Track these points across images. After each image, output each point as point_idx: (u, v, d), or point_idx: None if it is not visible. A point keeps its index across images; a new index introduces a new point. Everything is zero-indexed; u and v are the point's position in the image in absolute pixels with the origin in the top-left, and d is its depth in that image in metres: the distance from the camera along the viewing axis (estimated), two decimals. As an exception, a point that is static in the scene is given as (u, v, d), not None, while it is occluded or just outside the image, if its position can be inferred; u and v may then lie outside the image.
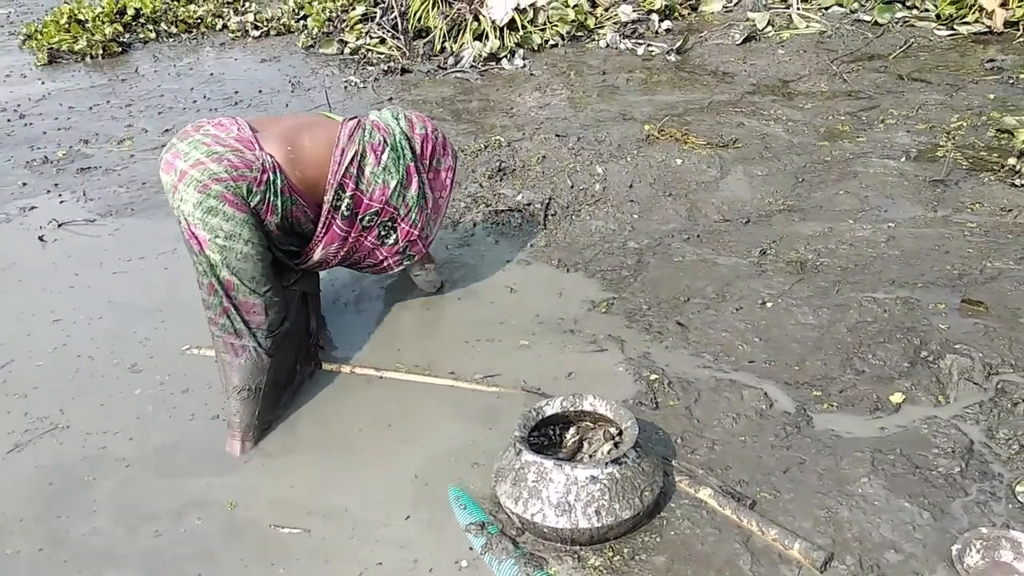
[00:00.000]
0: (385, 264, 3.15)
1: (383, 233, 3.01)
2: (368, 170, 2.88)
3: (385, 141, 2.92)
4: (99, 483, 2.66)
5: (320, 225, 2.86)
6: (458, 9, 6.93)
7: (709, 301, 3.27)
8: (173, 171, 2.60)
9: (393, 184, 2.92)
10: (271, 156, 2.67)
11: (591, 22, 7.04)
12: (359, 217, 2.92)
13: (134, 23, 9.09)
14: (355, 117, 2.96)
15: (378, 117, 3.02)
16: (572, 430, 2.53)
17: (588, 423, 2.52)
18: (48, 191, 5.04)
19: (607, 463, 2.18)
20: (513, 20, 6.84)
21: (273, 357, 2.78)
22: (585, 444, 2.49)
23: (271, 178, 2.63)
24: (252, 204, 2.60)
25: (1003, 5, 5.95)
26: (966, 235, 3.50)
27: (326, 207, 2.83)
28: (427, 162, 3.06)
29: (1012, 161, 3.99)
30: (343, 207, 2.86)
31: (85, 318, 3.59)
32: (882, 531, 2.18)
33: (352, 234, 2.94)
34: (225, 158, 2.58)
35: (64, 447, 2.83)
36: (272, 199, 2.65)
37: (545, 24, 6.95)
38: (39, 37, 8.68)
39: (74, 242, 4.36)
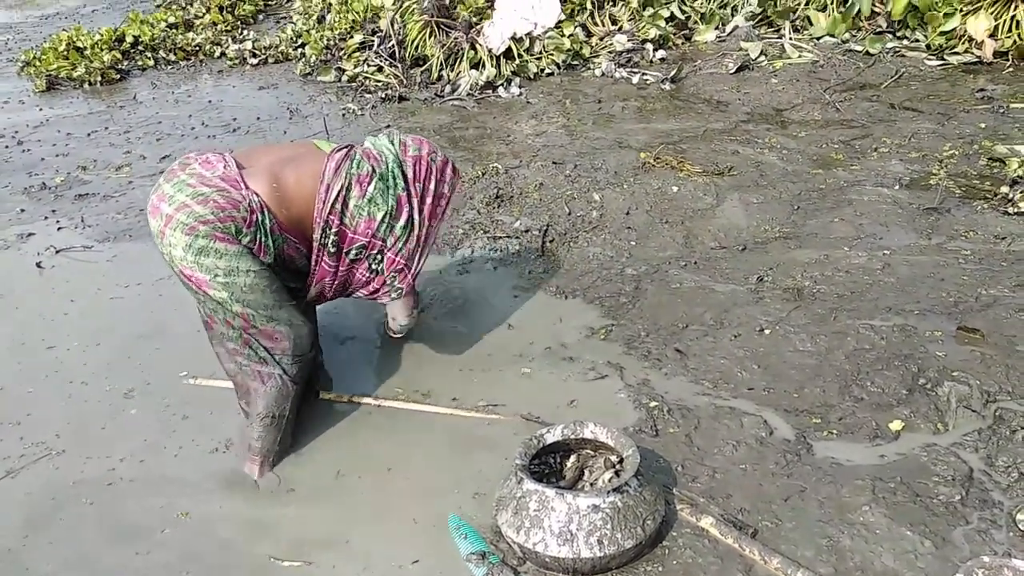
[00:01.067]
0: (377, 294, 2.98)
1: (374, 266, 2.86)
2: (352, 203, 2.72)
3: (374, 171, 2.76)
4: (93, 509, 2.63)
5: (312, 262, 2.79)
6: (455, 38, 7.00)
7: (707, 328, 3.28)
8: (159, 216, 2.53)
9: (380, 216, 2.75)
10: (257, 195, 2.57)
11: (586, 51, 7.12)
12: (344, 251, 2.78)
13: (132, 51, 9.14)
14: (346, 146, 2.83)
15: (372, 144, 2.90)
16: (573, 458, 2.53)
17: (589, 451, 2.52)
18: (46, 217, 5.04)
19: (609, 492, 2.18)
20: (509, 49, 6.91)
21: (298, 384, 2.76)
22: (586, 472, 2.48)
23: (259, 219, 2.55)
24: (244, 242, 2.54)
25: (992, 36, 6.03)
26: (961, 263, 3.53)
27: (316, 245, 2.74)
28: (419, 185, 2.86)
29: (1005, 189, 4.03)
30: (329, 243, 2.74)
31: (80, 345, 3.58)
32: (884, 560, 2.18)
33: (341, 268, 2.83)
34: (211, 199, 2.50)
35: (59, 472, 2.81)
36: (263, 239, 2.58)
37: (541, 53, 7.03)
38: (37, 64, 8.72)
39: (72, 268, 4.36)
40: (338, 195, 2.69)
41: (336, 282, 2.88)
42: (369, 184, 2.73)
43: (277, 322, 2.66)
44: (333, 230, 2.72)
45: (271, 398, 2.71)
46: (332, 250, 2.76)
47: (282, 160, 2.74)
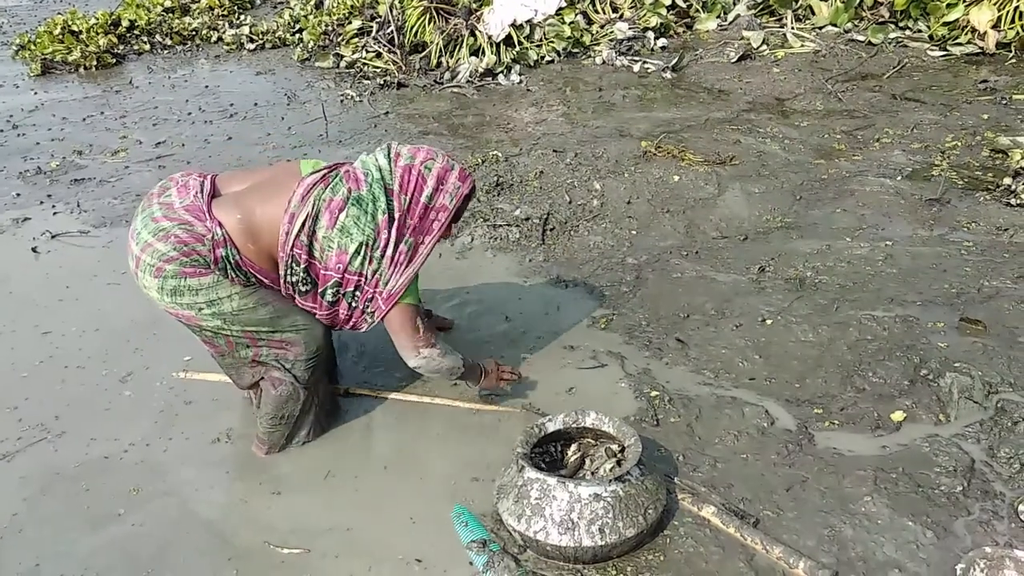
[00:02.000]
0: (353, 323, 2.67)
1: (352, 304, 2.57)
2: (321, 234, 2.42)
3: (349, 194, 2.44)
4: (89, 494, 2.62)
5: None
6: (455, 24, 6.95)
7: (708, 318, 3.27)
8: (131, 255, 2.42)
9: (353, 247, 2.43)
10: (221, 226, 2.36)
11: (587, 39, 7.08)
12: (320, 292, 2.52)
13: (128, 35, 9.08)
14: (330, 167, 2.53)
15: (361, 163, 2.56)
16: (574, 447, 2.51)
17: (590, 440, 2.51)
18: (41, 202, 5.00)
19: (611, 481, 2.16)
20: (509, 36, 6.87)
21: (309, 388, 2.69)
22: (587, 461, 2.47)
23: (223, 255, 2.37)
24: (218, 274, 2.39)
25: (995, 27, 6.01)
26: (963, 254, 3.52)
27: (282, 283, 2.50)
28: (406, 197, 2.50)
29: (1007, 181, 4.01)
30: (299, 281, 2.49)
31: (76, 330, 3.55)
32: (886, 550, 2.17)
33: (319, 312, 2.58)
34: (172, 235, 2.34)
35: (56, 456, 2.79)
36: (232, 272, 2.41)
37: (541, 40, 6.98)
38: (32, 48, 8.65)
39: (67, 254, 4.33)
40: (303, 226, 2.40)
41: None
42: (341, 212, 2.42)
43: (283, 331, 2.55)
44: (301, 266, 2.45)
45: (280, 402, 2.67)
46: (303, 289, 2.51)
47: (254, 188, 2.50)
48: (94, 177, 5.35)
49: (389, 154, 2.56)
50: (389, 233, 2.47)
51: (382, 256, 2.48)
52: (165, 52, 8.94)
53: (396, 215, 2.47)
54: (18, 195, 5.13)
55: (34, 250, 4.36)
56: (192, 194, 2.42)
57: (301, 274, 2.47)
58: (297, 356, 2.61)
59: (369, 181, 2.48)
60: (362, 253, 2.45)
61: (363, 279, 2.50)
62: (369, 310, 2.59)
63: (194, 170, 2.61)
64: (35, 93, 7.58)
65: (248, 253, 2.41)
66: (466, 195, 2.60)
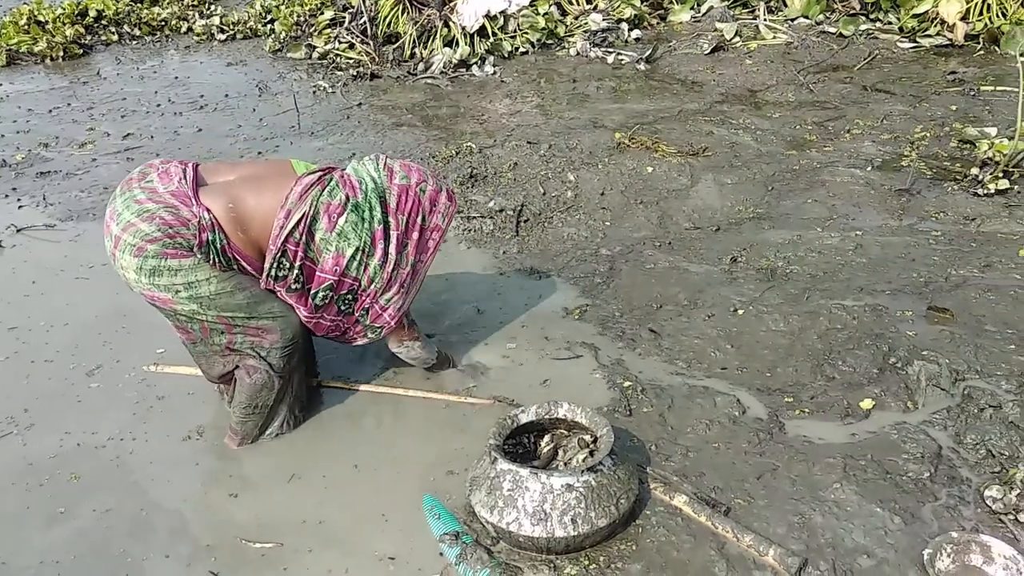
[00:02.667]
0: (348, 336, 2.75)
1: (343, 308, 2.61)
2: (319, 235, 2.46)
3: (347, 200, 2.48)
4: (57, 489, 2.58)
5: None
6: (428, 15, 6.91)
7: (681, 308, 3.28)
8: (109, 236, 2.40)
9: (350, 252, 2.48)
10: (208, 212, 2.38)
11: (561, 30, 7.07)
12: (312, 293, 2.53)
13: (96, 25, 8.91)
14: (323, 170, 2.57)
15: (354, 170, 2.61)
16: (547, 438, 2.52)
17: (563, 431, 2.51)
18: (6, 195, 4.90)
19: (583, 471, 2.17)
20: (483, 27, 6.84)
21: (284, 377, 2.67)
22: (560, 452, 2.47)
23: (210, 238, 2.38)
24: (199, 257, 2.39)
25: (964, 19, 6.09)
26: (931, 243, 3.56)
27: (265, 276, 2.50)
28: (403, 217, 2.58)
29: (975, 171, 4.07)
30: (290, 278, 2.49)
31: (44, 325, 3.49)
32: (855, 536, 2.19)
33: (305, 312, 2.59)
34: (157, 216, 2.34)
35: (27, 448, 2.75)
36: (215, 257, 2.41)
37: (515, 31, 6.96)
38: (-3, 38, 8.48)
39: (33, 248, 4.25)
40: (299, 223, 2.43)
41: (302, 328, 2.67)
42: (340, 216, 2.47)
43: (259, 317, 2.54)
44: (296, 263, 2.47)
45: (255, 391, 2.64)
46: (294, 287, 2.52)
47: (246, 179, 2.52)
48: (60, 170, 5.26)
49: (379, 167, 2.61)
50: (386, 244, 2.54)
51: (380, 266, 2.54)
52: (134, 43, 8.80)
53: (393, 232, 2.55)
54: (-18, 188, 5.03)
55: (-1, 244, 4.28)
56: (176, 180, 2.43)
57: (294, 272, 2.49)
58: (272, 344, 2.59)
59: (365, 190, 2.53)
60: (358, 259, 2.51)
61: (357, 284, 2.56)
62: (374, 326, 2.67)
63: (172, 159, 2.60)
64: (0, 85, 7.43)
65: (236, 241, 2.44)
66: (454, 214, 2.75)
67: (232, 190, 2.46)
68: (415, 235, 2.62)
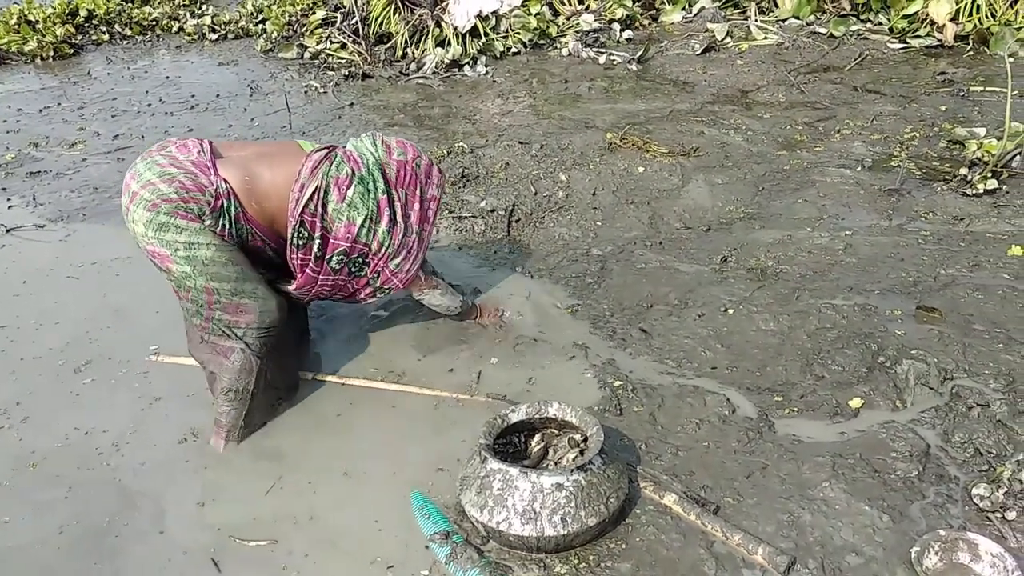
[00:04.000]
0: (358, 297, 2.97)
1: (354, 270, 2.82)
2: (331, 207, 2.67)
3: (353, 174, 2.70)
4: (43, 484, 2.57)
5: (289, 264, 2.76)
6: (420, 15, 6.90)
7: (672, 308, 3.29)
8: (127, 192, 2.54)
9: (360, 220, 2.70)
10: (226, 182, 2.56)
11: (553, 30, 7.08)
12: (327, 257, 2.74)
13: (86, 24, 8.88)
14: (327, 147, 2.76)
15: (354, 146, 2.82)
16: (537, 437, 2.52)
17: (553, 430, 2.51)
18: (-5, 195, 4.88)
19: (573, 470, 2.17)
20: (475, 27, 6.84)
21: (263, 359, 2.72)
22: (550, 451, 2.47)
23: (224, 204, 2.54)
24: (206, 224, 2.52)
25: (953, 20, 6.12)
26: (920, 243, 3.58)
27: (288, 245, 2.70)
28: (403, 191, 2.81)
29: (964, 171, 4.09)
30: (313, 247, 2.70)
31: (34, 324, 3.48)
32: (843, 535, 2.20)
33: (322, 275, 2.78)
34: (177, 180, 2.49)
35: (21, 444, 2.73)
36: (227, 225, 2.56)
37: (507, 32, 6.97)
38: (-13, 37, 8.44)
39: (24, 248, 4.23)
40: (312, 196, 2.64)
41: (315, 289, 2.83)
42: (348, 188, 2.68)
43: (242, 295, 2.64)
44: (316, 234, 2.67)
45: (235, 372, 2.69)
46: (318, 254, 2.72)
47: (259, 155, 2.72)
48: (50, 170, 5.24)
49: (376, 142, 2.83)
50: (392, 212, 2.77)
51: (388, 231, 2.77)
52: (124, 42, 8.77)
53: (397, 203, 2.79)
54: (-29, 188, 5.01)
55: (-12, 244, 4.26)
56: (195, 152, 2.60)
57: (315, 241, 2.69)
58: (249, 324, 2.68)
59: (366, 164, 2.74)
60: (367, 226, 2.72)
61: (368, 249, 2.77)
62: (384, 287, 2.91)
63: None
64: (-11, 84, 7.40)
65: (250, 210, 2.61)
66: (443, 186, 3.02)
67: (249, 164, 2.65)
68: (416, 206, 2.85)
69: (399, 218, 2.79)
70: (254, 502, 2.50)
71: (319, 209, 2.65)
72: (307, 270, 2.75)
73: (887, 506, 2.27)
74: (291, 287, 2.82)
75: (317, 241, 2.69)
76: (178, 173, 2.51)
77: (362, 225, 2.71)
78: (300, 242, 2.69)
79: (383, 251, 2.80)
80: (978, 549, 2.08)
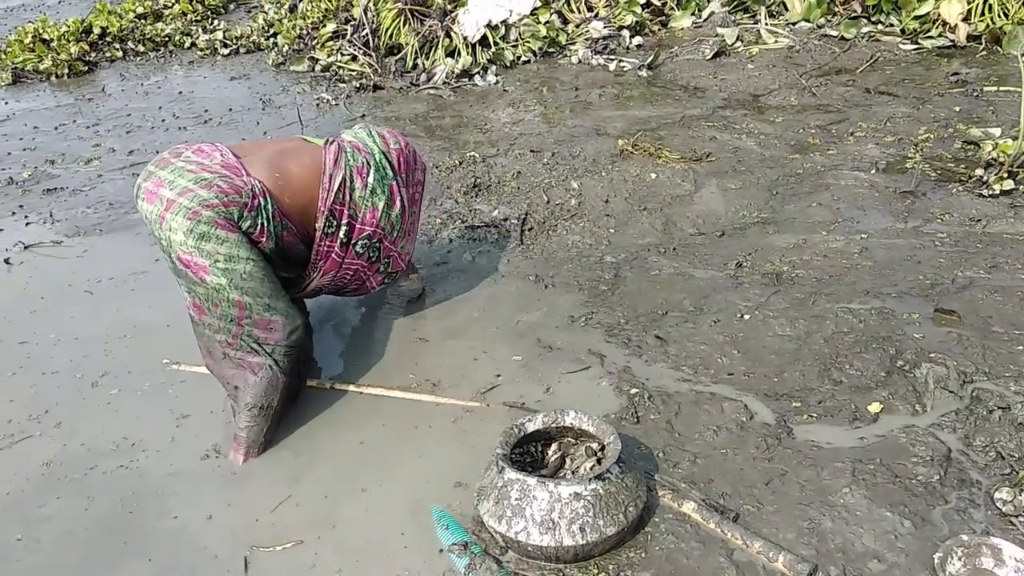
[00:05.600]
0: (369, 285, 3.11)
1: (372, 256, 2.97)
2: (356, 194, 2.82)
3: (368, 162, 2.86)
4: (58, 499, 2.59)
5: (315, 253, 2.82)
6: (430, 26, 6.93)
7: (687, 314, 3.28)
8: (158, 200, 2.52)
9: (381, 205, 2.88)
10: (260, 182, 2.62)
11: (563, 38, 7.08)
12: (352, 243, 2.87)
13: (100, 42, 8.98)
14: (333, 139, 2.89)
15: (354, 137, 2.96)
16: (554, 446, 2.51)
17: (570, 439, 2.51)
18: (13, 213, 4.93)
19: (591, 479, 2.16)
20: (485, 37, 6.86)
21: (287, 376, 2.76)
22: (567, 460, 2.47)
23: (261, 203, 2.60)
24: (243, 228, 2.56)
25: (966, 20, 6.08)
26: (937, 245, 3.55)
27: (318, 234, 2.79)
28: (404, 176, 2.99)
29: (979, 172, 4.05)
30: (341, 234, 2.82)
31: (53, 339, 3.52)
32: (865, 541, 2.18)
33: (347, 260, 2.90)
34: (215, 184, 2.52)
35: (34, 462, 2.76)
36: (264, 223, 2.61)
37: (517, 40, 6.98)
38: (2, 57, 8.54)
39: (41, 264, 4.27)
40: (340, 185, 2.77)
41: (339, 274, 2.93)
42: (368, 175, 2.84)
43: (274, 311, 2.67)
44: (343, 221, 2.81)
45: (261, 389, 2.69)
46: (344, 240, 2.84)
47: (281, 152, 2.80)
48: (67, 186, 5.29)
49: (371, 133, 2.98)
50: (401, 197, 2.95)
51: (399, 216, 2.96)
52: (138, 59, 8.85)
53: (403, 189, 2.96)
54: (-11, 206, 5.07)
55: (7, 261, 4.30)
56: (219, 155, 2.65)
57: (343, 228, 2.82)
58: (277, 342, 2.71)
59: (373, 152, 2.90)
60: (385, 211, 2.90)
61: (382, 232, 2.93)
62: (392, 272, 3.11)
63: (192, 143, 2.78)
64: (5, 103, 7.49)
65: (284, 206, 2.68)
66: (426, 170, 3.23)
67: (275, 161, 2.73)
68: (410, 190, 3.04)
69: (406, 203, 2.98)
70: (275, 514, 2.51)
71: (347, 197, 2.79)
72: (333, 255, 2.86)
73: (909, 512, 2.25)
74: (317, 274, 2.88)
75: (344, 228, 2.81)
76: (214, 177, 2.54)
77: (383, 210, 2.88)
78: (330, 230, 2.80)
79: (395, 235, 2.98)
80: (1002, 554, 2.06)
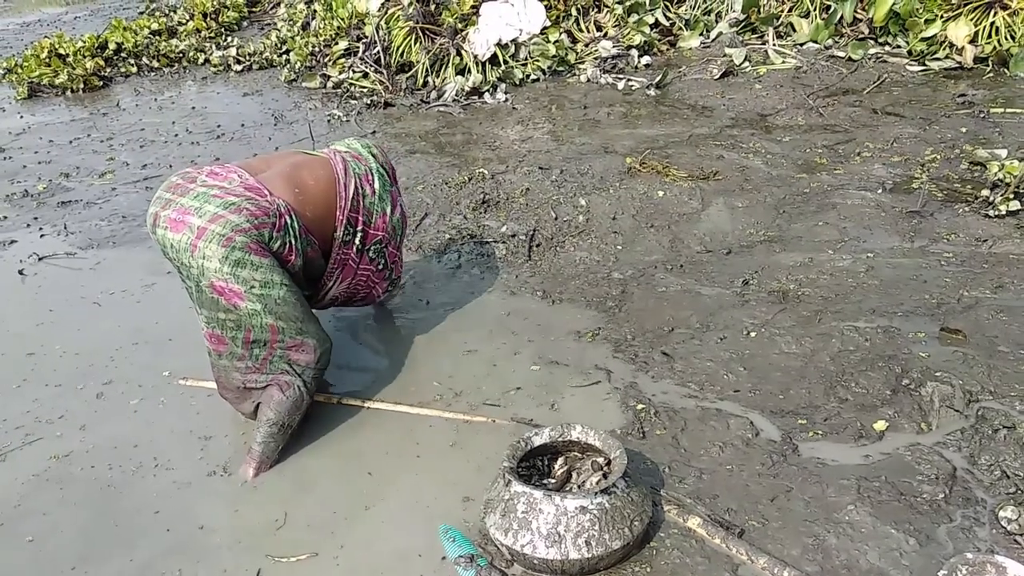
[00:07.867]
0: (375, 293, 3.19)
1: (380, 263, 3.07)
2: (367, 201, 2.93)
3: (370, 170, 2.97)
4: (74, 510, 2.61)
5: (332, 262, 2.88)
6: (441, 44, 7.02)
7: (693, 331, 3.30)
8: (187, 228, 2.49)
9: (389, 210, 3.00)
10: (283, 200, 2.65)
11: (572, 57, 7.15)
12: (366, 248, 2.98)
13: (115, 57, 9.11)
14: (333, 152, 2.99)
15: (347, 147, 3.05)
16: (560, 460, 2.53)
17: (576, 453, 2.52)
18: (28, 225, 5.00)
19: (597, 493, 2.18)
20: (495, 55, 6.93)
21: (312, 397, 2.81)
22: (573, 475, 2.48)
23: (288, 222, 2.63)
24: (273, 249, 2.59)
25: (972, 42, 6.12)
26: (943, 265, 3.56)
27: (336, 243, 2.86)
28: (395, 185, 3.13)
29: (985, 192, 4.07)
30: (356, 241, 2.92)
31: (60, 349, 3.56)
32: (869, 558, 2.19)
33: (361, 266, 3.00)
34: (243, 208, 2.53)
35: (42, 474, 2.79)
36: (292, 241, 2.66)
37: (527, 59, 7.06)
38: (19, 71, 8.68)
39: (55, 276, 4.32)
40: (354, 193, 2.88)
41: (354, 281, 3.01)
42: (374, 182, 2.96)
43: (306, 334, 2.71)
44: (359, 228, 2.91)
45: (286, 408, 2.71)
46: (359, 246, 2.95)
47: (294, 166, 2.84)
48: (81, 199, 5.36)
49: (365, 143, 3.08)
50: (400, 205, 3.08)
51: (400, 221, 3.08)
52: (152, 74, 8.97)
53: (398, 195, 3.09)
54: (5, 218, 5.14)
55: (21, 272, 4.36)
56: (236, 175, 2.66)
57: (358, 235, 2.92)
58: (308, 363, 2.75)
59: (369, 160, 2.99)
60: (391, 217, 3.02)
61: (389, 237, 3.05)
62: (394, 278, 3.22)
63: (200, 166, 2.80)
64: (21, 116, 7.60)
65: (307, 221, 2.73)
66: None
67: (291, 177, 2.77)
68: (397, 197, 3.14)
69: (403, 208, 3.12)
70: (285, 528, 2.53)
71: (360, 204, 2.90)
72: (349, 262, 2.95)
73: (913, 529, 2.26)
74: (334, 283, 2.95)
75: (359, 234, 2.92)
76: (241, 201, 2.55)
77: (390, 215, 3.01)
78: (348, 238, 2.90)
79: (396, 240, 3.11)
80: (1006, 572, 2.06)
